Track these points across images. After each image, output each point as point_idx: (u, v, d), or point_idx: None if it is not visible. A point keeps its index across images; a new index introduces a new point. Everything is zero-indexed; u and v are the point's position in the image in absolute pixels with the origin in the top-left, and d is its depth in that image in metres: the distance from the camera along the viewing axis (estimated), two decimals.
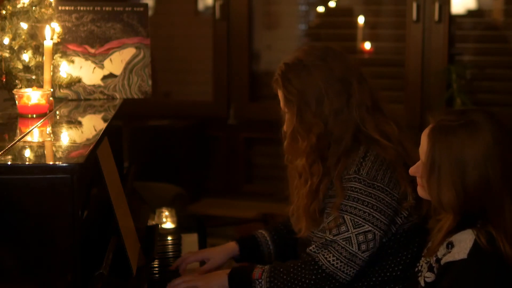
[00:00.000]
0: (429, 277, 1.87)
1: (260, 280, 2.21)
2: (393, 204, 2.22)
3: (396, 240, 2.28)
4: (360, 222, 2.19)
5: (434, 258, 1.86)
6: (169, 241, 2.83)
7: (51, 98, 2.50)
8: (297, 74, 2.27)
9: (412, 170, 1.95)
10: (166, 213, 2.95)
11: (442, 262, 1.82)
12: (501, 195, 1.81)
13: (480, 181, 1.80)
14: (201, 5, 5.13)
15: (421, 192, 1.94)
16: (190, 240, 2.85)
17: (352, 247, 2.19)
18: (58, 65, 2.75)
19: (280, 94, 2.33)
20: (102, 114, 2.64)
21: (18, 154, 1.91)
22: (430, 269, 1.87)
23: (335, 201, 2.24)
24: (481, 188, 1.81)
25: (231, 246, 2.54)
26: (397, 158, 2.24)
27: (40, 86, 2.54)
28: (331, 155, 2.27)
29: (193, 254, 2.52)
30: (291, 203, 2.42)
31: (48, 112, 2.44)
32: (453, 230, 1.84)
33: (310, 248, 2.26)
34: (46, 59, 2.50)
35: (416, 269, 1.96)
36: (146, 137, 4.65)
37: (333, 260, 2.19)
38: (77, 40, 2.82)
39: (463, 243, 1.79)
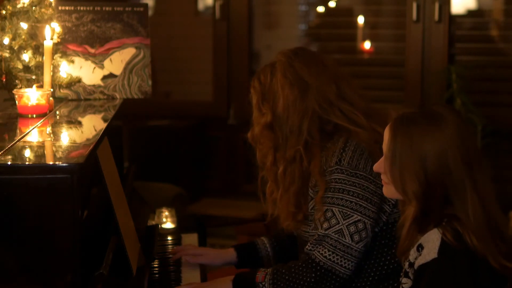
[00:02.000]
0: (406, 283, 1.87)
1: (263, 283, 2.23)
2: (378, 191, 2.24)
3: (389, 230, 2.29)
4: (348, 212, 2.21)
5: (407, 263, 1.87)
6: (169, 241, 2.82)
7: (51, 98, 2.50)
8: (264, 71, 2.42)
9: (375, 167, 1.96)
10: (166, 213, 2.95)
11: (416, 266, 1.83)
12: (463, 185, 1.82)
13: (441, 170, 1.81)
14: (201, 5, 5.13)
15: (386, 190, 1.95)
16: (190, 240, 2.85)
17: (345, 238, 2.20)
18: (58, 65, 2.75)
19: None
20: (102, 114, 2.64)
21: (18, 154, 1.91)
22: (406, 274, 1.87)
23: (318, 194, 2.28)
24: (442, 177, 1.82)
25: (229, 252, 2.56)
26: (371, 140, 2.28)
27: (40, 86, 2.54)
28: (291, 146, 2.33)
29: (193, 247, 2.58)
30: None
31: (48, 112, 2.44)
32: (419, 221, 1.84)
33: (306, 247, 2.27)
34: (46, 59, 2.50)
35: (401, 278, 1.97)
36: (146, 137, 4.65)
37: (329, 255, 2.20)
38: (77, 40, 2.82)
39: (431, 243, 1.80)
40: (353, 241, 2.20)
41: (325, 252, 2.21)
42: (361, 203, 2.22)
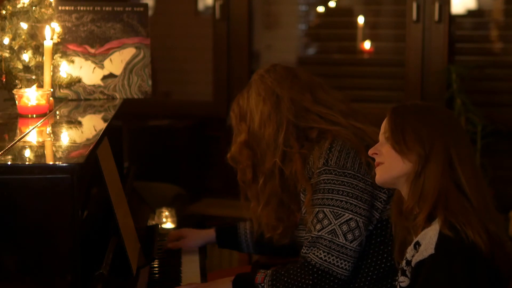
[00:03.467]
0: (403, 281, 1.88)
1: (262, 284, 2.24)
2: (368, 188, 2.26)
3: (383, 227, 2.30)
4: (339, 212, 2.22)
5: (404, 262, 1.88)
6: None
7: (51, 98, 2.50)
8: (242, 94, 2.49)
9: (370, 151, 2.00)
10: (166, 213, 2.95)
11: (413, 263, 1.84)
12: (470, 168, 1.88)
13: (444, 150, 1.87)
14: (201, 5, 5.13)
15: (378, 174, 1.97)
16: None
17: (339, 238, 2.21)
18: (58, 65, 2.75)
19: None
20: (102, 114, 2.64)
21: (18, 154, 1.91)
22: (403, 273, 1.88)
23: (306, 197, 2.31)
24: (449, 156, 1.87)
25: (209, 233, 2.72)
26: (354, 137, 2.32)
27: (40, 86, 2.54)
28: (269, 159, 2.39)
29: (173, 233, 2.75)
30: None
31: (48, 112, 2.44)
32: (419, 177, 1.87)
33: (302, 250, 2.29)
34: (46, 59, 2.50)
35: (397, 277, 1.97)
36: (146, 137, 4.65)
37: (324, 256, 2.21)
38: (77, 40, 2.82)
39: (428, 239, 1.81)
40: (347, 240, 2.21)
41: (320, 254, 2.21)
42: (351, 202, 2.23)
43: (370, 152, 2.00)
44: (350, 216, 2.22)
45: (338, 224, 2.22)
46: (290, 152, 2.36)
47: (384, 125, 1.97)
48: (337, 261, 2.21)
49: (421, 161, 1.88)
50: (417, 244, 1.83)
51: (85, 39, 2.83)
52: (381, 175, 1.97)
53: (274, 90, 2.40)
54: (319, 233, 2.23)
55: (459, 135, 1.91)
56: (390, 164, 1.93)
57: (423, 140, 1.88)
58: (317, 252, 2.22)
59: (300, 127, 2.38)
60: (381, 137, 1.98)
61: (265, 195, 2.42)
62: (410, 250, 1.86)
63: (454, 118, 1.97)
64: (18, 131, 2.26)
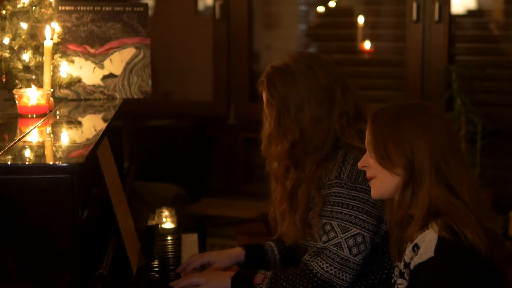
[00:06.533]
0: (401, 283, 1.87)
1: (261, 286, 2.24)
2: (378, 203, 2.23)
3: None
4: (347, 226, 2.21)
5: (402, 264, 1.88)
6: (169, 241, 2.83)
7: (51, 98, 2.50)
8: (282, 78, 2.30)
9: (360, 164, 1.97)
10: (166, 213, 2.95)
11: (412, 266, 1.83)
12: (456, 166, 1.86)
13: (427, 148, 1.85)
14: (201, 5, 5.13)
15: (373, 189, 1.95)
16: (190, 240, 2.85)
17: (344, 252, 2.20)
18: (58, 65, 2.75)
19: (264, 96, 2.36)
20: (102, 114, 2.64)
21: (18, 154, 1.91)
22: (401, 275, 1.88)
23: (315, 208, 2.26)
24: (434, 158, 1.85)
25: (237, 251, 2.54)
26: None
27: (40, 86, 2.54)
28: (310, 163, 2.29)
29: (199, 257, 2.51)
30: (272, 206, 2.45)
31: (48, 112, 2.44)
32: (407, 188, 1.86)
33: (305, 257, 2.28)
34: (46, 59, 2.50)
35: (393, 280, 1.97)
36: (146, 137, 4.65)
37: (327, 267, 2.20)
38: (77, 40, 2.82)
39: (427, 242, 1.80)
40: (352, 254, 2.20)
41: (323, 264, 2.21)
42: (360, 217, 2.21)
43: (359, 165, 1.97)
44: (358, 231, 2.21)
45: (345, 238, 2.20)
46: (323, 158, 2.27)
47: (367, 133, 1.94)
48: (339, 273, 2.20)
49: (407, 171, 1.86)
50: (416, 246, 1.83)
51: (85, 39, 2.83)
52: (376, 190, 1.95)
53: (328, 90, 2.27)
54: (325, 245, 2.22)
55: (442, 133, 1.87)
56: (381, 179, 1.92)
57: (405, 149, 1.85)
58: (320, 262, 2.21)
59: (338, 137, 2.28)
60: (367, 146, 1.95)
61: (303, 200, 2.30)
62: (408, 253, 1.85)
63: (435, 115, 1.91)
64: (18, 131, 2.26)
